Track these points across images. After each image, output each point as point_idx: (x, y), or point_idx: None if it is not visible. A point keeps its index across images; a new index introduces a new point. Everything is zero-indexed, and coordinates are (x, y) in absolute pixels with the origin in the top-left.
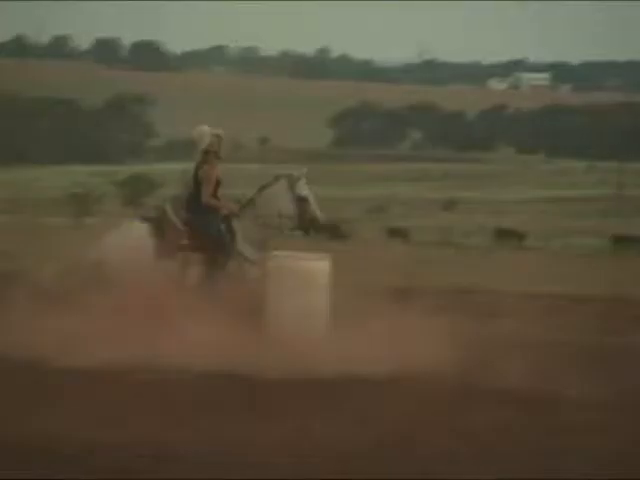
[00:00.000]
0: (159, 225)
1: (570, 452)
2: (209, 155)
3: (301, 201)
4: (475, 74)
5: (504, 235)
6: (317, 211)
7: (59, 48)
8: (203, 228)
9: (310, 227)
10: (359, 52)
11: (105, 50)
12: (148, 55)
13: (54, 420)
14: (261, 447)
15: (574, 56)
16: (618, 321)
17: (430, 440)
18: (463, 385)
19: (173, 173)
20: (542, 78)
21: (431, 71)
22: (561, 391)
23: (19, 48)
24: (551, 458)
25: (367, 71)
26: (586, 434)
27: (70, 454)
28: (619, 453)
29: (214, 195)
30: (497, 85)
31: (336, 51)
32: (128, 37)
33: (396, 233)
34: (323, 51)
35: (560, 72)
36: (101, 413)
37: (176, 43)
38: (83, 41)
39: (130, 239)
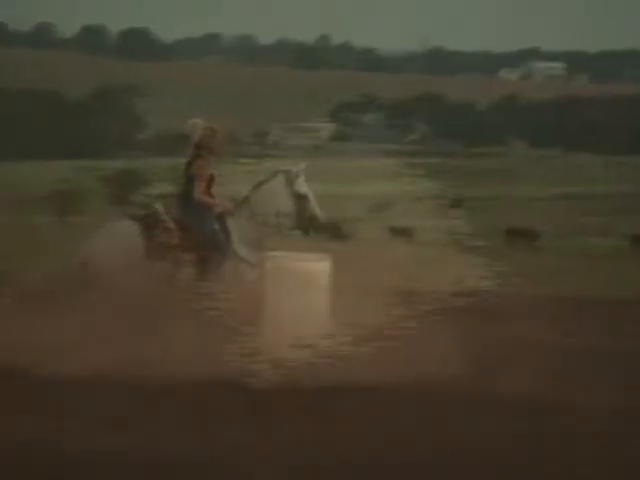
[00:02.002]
0: (149, 224)
1: (582, 460)
2: (202, 150)
3: (300, 198)
4: (485, 64)
5: (516, 235)
6: (317, 209)
7: (42, 36)
8: (196, 227)
9: (310, 226)
10: (361, 40)
11: (91, 38)
12: (137, 43)
13: (46, 429)
14: (258, 456)
15: (591, 44)
16: (635, 325)
17: (434, 449)
18: (469, 392)
19: (164, 169)
20: (556, 68)
21: (438, 60)
22: (574, 398)
23: None
24: (562, 466)
25: (370, 60)
26: (599, 442)
27: (65, 464)
28: (633, 462)
29: (207, 192)
30: (508, 75)
31: (337, 39)
32: (116, 24)
33: (400, 232)
34: (323, 39)
35: (576, 61)
36: (95, 421)
37: (167, 31)
38: (68, 29)
39: (118, 239)
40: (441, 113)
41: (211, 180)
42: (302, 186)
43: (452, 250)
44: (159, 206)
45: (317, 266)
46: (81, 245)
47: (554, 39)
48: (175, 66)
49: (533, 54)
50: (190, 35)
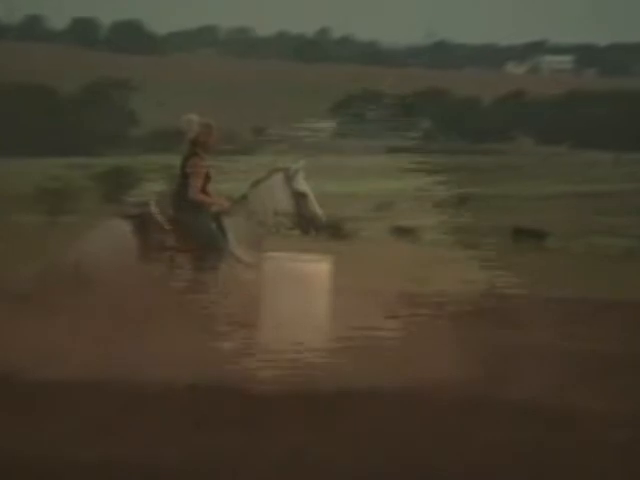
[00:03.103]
0: (143, 224)
1: (593, 471)
2: (198, 147)
3: (299, 197)
4: (490, 57)
5: (523, 235)
6: (317, 208)
7: (32, 29)
8: (191, 227)
9: (309, 226)
10: (363, 33)
11: (83, 31)
12: (130, 36)
13: (33, 438)
14: (255, 465)
15: (600, 37)
16: None
17: (434, 451)
18: (473, 396)
19: (158, 166)
20: (564, 61)
21: (442, 54)
22: (584, 405)
23: None
24: (571, 476)
25: (372, 54)
26: (611, 451)
27: (57, 469)
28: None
29: (203, 190)
30: (515, 69)
31: (338, 32)
32: (108, 16)
33: (403, 232)
34: (323, 32)
35: (584, 55)
36: (85, 429)
37: (161, 22)
38: (58, 21)
39: (111, 239)
40: (445, 108)
41: (207, 178)
42: (301, 184)
43: (457, 250)
44: (153, 205)
45: (317, 267)
46: (73, 245)
47: (562, 32)
48: (170, 60)
49: (540, 47)
50: (185, 27)
